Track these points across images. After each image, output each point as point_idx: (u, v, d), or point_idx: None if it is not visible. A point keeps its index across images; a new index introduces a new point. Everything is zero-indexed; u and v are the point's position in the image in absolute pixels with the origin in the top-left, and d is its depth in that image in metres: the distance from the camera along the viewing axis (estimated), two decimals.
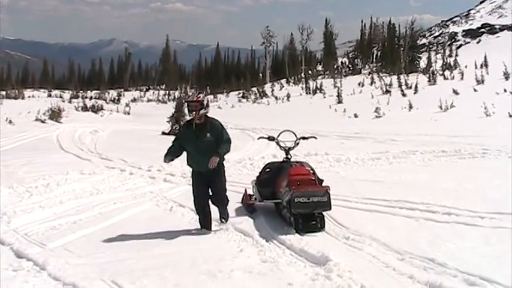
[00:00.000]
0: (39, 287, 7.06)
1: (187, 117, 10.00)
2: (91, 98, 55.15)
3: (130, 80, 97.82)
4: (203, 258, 7.97)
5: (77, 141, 24.92)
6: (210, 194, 9.83)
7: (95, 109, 43.67)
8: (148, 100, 64.00)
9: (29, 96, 52.96)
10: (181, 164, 16.20)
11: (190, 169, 10.00)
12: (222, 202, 9.96)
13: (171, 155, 9.78)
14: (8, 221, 10.34)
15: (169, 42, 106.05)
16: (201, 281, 7.08)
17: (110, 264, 7.89)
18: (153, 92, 75.01)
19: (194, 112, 9.47)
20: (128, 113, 45.57)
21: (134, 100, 60.33)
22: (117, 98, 56.06)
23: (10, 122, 31.47)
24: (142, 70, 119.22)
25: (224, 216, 10.05)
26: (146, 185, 13.89)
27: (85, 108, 43.75)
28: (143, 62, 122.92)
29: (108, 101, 54.08)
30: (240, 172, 15.69)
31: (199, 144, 9.50)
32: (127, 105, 49.98)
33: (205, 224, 9.75)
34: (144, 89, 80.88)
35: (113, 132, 29.75)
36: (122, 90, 73.73)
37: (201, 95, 9.82)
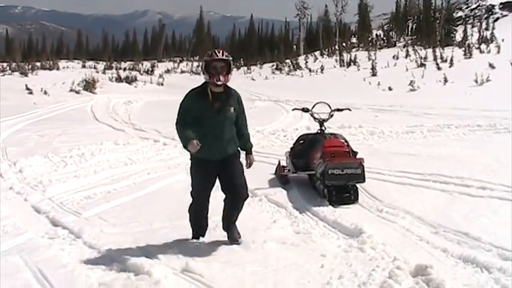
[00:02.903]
0: (75, 254, 7.15)
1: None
2: (125, 69, 55.29)
3: (164, 51, 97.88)
4: None
5: (111, 112, 25.13)
6: (223, 187, 7.52)
7: (129, 80, 43.87)
8: (182, 71, 64.02)
9: (63, 67, 53.29)
10: None
11: (190, 155, 7.49)
12: (244, 193, 7.51)
13: (190, 130, 7.21)
14: (44, 190, 10.49)
15: (203, 14, 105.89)
16: (235, 251, 7.13)
17: (144, 234, 7.99)
18: (187, 64, 75.03)
19: (219, 76, 7.16)
20: (162, 84, 45.66)
21: (168, 71, 60.42)
22: (150, 69, 56.12)
23: (45, 92, 31.83)
24: (176, 41, 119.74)
25: (236, 233, 7.59)
26: (180, 155, 13.89)
27: (119, 79, 44.02)
28: (177, 34, 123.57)
29: (142, 72, 54.21)
30: (274, 143, 15.72)
31: (220, 122, 7.26)
32: (160, 76, 50.07)
33: (202, 232, 7.81)
34: (178, 61, 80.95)
35: (146, 103, 29.90)
36: (156, 61, 73.73)
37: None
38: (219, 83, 7.19)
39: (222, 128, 7.28)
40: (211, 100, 7.25)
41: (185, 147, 7.22)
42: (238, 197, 7.48)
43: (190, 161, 7.55)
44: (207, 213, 7.75)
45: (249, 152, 7.78)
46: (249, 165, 7.77)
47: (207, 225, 7.84)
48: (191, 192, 7.61)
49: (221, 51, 7.37)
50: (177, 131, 7.39)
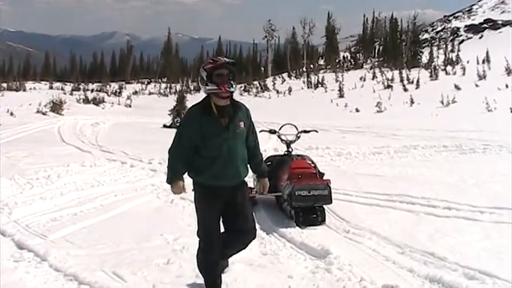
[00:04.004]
0: (40, 277, 7.08)
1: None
2: (92, 90, 55.23)
3: (132, 72, 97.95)
4: None
5: (78, 133, 24.94)
6: (229, 224, 6.39)
7: (96, 101, 43.74)
8: (150, 93, 63.96)
9: (30, 89, 53.10)
10: None
11: (194, 182, 6.28)
12: (255, 233, 6.48)
13: (182, 165, 6.21)
14: (9, 213, 10.36)
15: (171, 35, 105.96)
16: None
17: (111, 256, 7.92)
18: (155, 85, 74.97)
19: (230, 82, 6.06)
20: (129, 106, 45.58)
21: (136, 93, 60.33)
22: (118, 90, 56.08)
23: (11, 114, 31.53)
24: (144, 63, 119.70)
25: (226, 263, 6.87)
26: (147, 177, 13.87)
27: (86, 101, 43.86)
28: (145, 55, 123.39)
29: (109, 93, 54.17)
30: None
31: (231, 140, 6.10)
32: (128, 97, 49.98)
33: (217, 284, 6.46)
34: (146, 82, 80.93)
35: (114, 124, 29.77)
36: (124, 82, 73.70)
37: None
38: (232, 89, 6.08)
39: (235, 147, 6.14)
40: (217, 115, 6.08)
41: (168, 183, 6.29)
42: (249, 238, 6.45)
43: (194, 191, 6.30)
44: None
45: (263, 176, 6.73)
46: (263, 191, 6.81)
47: (222, 281, 6.51)
48: (199, 233, 6.33)
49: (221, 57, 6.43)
50: (168, 158, 6.29)
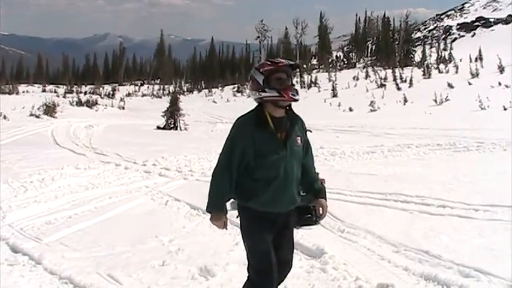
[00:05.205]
0: (35, 281, 7.04)
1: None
2: (85, 93, 55.20)
3: (125, 74, 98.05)
4: (199, 251, 7.97)
5: (72, 136, 24.88)
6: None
7: (90, 104, 43.76)
8: (143, 95, 64.07)
9: (23, 92, 53.10)
10: (176, 159, 16.34)
11: (242, 208, 5.20)
12: (291, 268, 5.39)
13: (229, 192, 5.14)
14: (3, 216, 10.31)
15: (163, 37, 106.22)
16: (197, 274, 7.08)
17: (106, 258, 7.88)
18: (148, 87, 75.14)
19: (289, 93, 4.94)
20: (123, 108, 45.57)
21: (129, 95, 60.46)
22: (111, 92, 56.15)
23: (5, 117, 31.47)
24: (137, 65, 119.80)
25: None
26: (141, 179, 13.85)
27: (80, 103, 43.86)
28: (138, 57, 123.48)
29: (102, 95, 54.22)
30: None
31: (288, 159, 5.05)
32: (121, 100, 49.98)
33: None
34: (139, 84, 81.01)
35: (107, 127, 29.73)
36: (117, 85, 73.71)
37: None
38: (297, 97, 5.00)
39: (291, 168, 5.08)
40: (274, 129, 5.01)
41: (208, 211, 5.20)
42: (288, 270, 5.37)
43: (241, 218, 5.24)
44: None
45: (320, 196, 5.50)
46: (323, 214, 5.52)
47: None
48: (254, 268, 5.13)
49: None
50: (211, 182, 5.12)
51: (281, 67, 4.96)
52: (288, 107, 5.05)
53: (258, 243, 5.03)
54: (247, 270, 5.16)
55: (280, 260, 5.08)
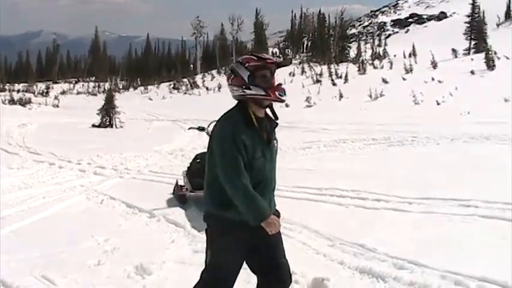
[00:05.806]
0: None
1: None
2: (18, 91, 54.22)
3: (59, 72, 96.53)
4: (135, 250, 7.91)
5: (4, 135, 24.40)
6: (261, 266, 4.86)
7: (23, 102, 42.95)
8: (78, 92, 63.26)
9: None
10: (111, 157, 16.18)
11: (218, 217, 4.64)
12: (291, 276, 4.94)
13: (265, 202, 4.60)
14: None
15: (98, 33, 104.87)
16: (133, 273, 7.01)
17: (40, 259, 7.73)
18: (83, 84, 74.19)
19: (275, 92, 4.66)
20: (57, 106, 44.85)
21: (63, 93, 59.61)
22: (45, 90, 55.34)
23: None
24: (72, 62, 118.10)
25: None
26: (76, 178, 13.69)
27: (12, 102, 43.03)
28: (72, 54, 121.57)
29: (36, 94, 53.40)
30: (172, 163, 15.63)
31: (271, 162, 4.82)
32: (56, 98, 49.18)
33: None
34: (74, 82, 79.97)
35: (41, 125, 29.21)
36: (51, 82, 72.62)
37: None
38: (284, 98, 4.70)
39: (273, 171, 4.85)
40: (259, 129, 4.66)
41: (260, 221, 4.49)
42: (284, 282, 4.86)
43: (213, 228, 4.73)
44: None
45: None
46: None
47: None
48: (205, 275, 4.85)
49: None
50: (240, 195, 4.43)
51: (269, 64, 4.61)
52: (269, 107, 4.78)
53: (220, 256, 4.66)
54: (201, 276, 4.88)
55: (278, 261, 4.79)
